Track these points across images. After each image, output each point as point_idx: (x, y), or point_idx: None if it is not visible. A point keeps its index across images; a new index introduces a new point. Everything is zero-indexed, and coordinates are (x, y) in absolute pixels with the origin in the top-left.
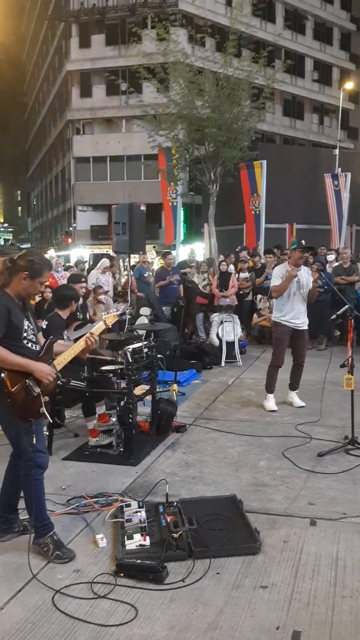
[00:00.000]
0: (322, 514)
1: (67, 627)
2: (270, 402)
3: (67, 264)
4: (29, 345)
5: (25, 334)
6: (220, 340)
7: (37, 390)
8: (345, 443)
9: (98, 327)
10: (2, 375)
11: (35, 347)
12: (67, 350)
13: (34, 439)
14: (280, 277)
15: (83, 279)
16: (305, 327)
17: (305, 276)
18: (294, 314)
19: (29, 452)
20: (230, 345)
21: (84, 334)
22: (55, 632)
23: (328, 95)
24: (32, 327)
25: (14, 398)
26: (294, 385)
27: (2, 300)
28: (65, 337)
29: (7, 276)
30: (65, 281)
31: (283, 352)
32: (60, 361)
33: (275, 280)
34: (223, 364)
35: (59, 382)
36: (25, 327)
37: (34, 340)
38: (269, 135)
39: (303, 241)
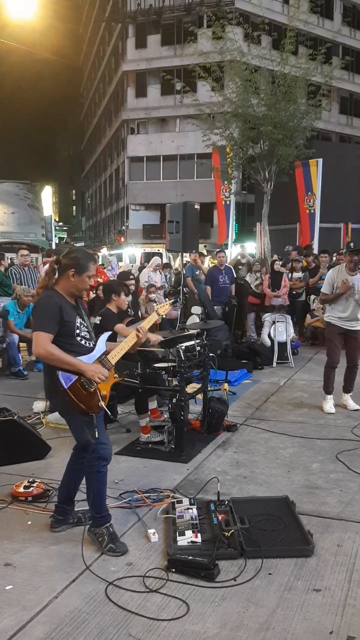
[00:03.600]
0: None
1: (120, 619)
2: (329, 404)
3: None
4: (83, 342)
5: (78, 331)
6: (272, 341)
7: (93, 386)
8: None
9: (150, 318)
10: (58, 373)
11: (89, 344)
12: (120, 344)
13: (96, 432)
14: (330, 284)
15: (132, 276)
16: (359, 328)
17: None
18: (347, 316)
19: (92, 444)
20: (282, 345)
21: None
22: (108, 623)
23: None
24: (85, 324)
25: (70, 394)
26: (347, 387)
27: (54, 299)
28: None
29: (56, 277)
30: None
31: (335, 351)
32: (114, 355)
33: (326, 287)
34: (274, 364)
35: (114, 376)
36: (78, 324)
37: (88, 337)
38: (324, 134)
39: (352, 244)
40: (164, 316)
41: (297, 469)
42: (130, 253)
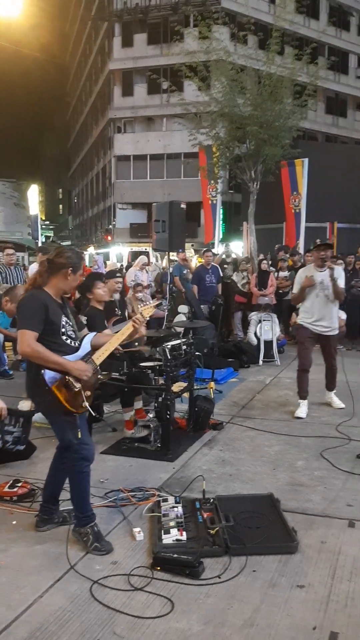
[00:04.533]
0: None
1: (105, 617)
2: (300, 410)
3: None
4: (68, 341)
5: (63, 330)
6: (258, 339)
7: (78, 385)
8: None
9: (127, 327)
10: (43, 372)
11: (75, 343)
12: (105, 345)
13: (79, 432)
14: (299, 283)
15: (118, 274)
16: (333, 333)
17: (329, 276)
18: (318, 317)
19: (74, 444)
20: (268, 344)
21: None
22: (93, 622)
23: None
24: (70, 323)
25: (55, 394)
26: (329, 385)
27: (40, 298)
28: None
29: (47, 276)
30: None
31: (306, 355)
32: (99, 356)
33: (295, 286)
34: (261, 363)
35: (99, 376)
36: (64, 323)
37: (73, 336)
38: (311, 133)
39: (318, 240)
40: (147, 318)
41: (282, 467)
42: (118, 252)
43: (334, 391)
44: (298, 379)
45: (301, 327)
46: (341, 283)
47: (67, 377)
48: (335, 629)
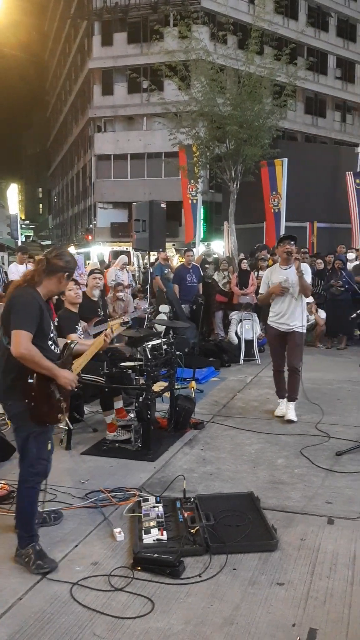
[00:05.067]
0: (339, 512)
1: (85, 619)
2: (279, 408)
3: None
4: (52, 347)
5: (51, 334)
6: (239, 339)
7: (58, 395)
8: None
9: (97, 342)
10: (31, 378)
11: (57, 349)
12: (81, 357)
13: (50, 444)
14: (266, 283)
15: (97, 270)
16: (297, 329)
17: (295, 274)
18: (282, 315)
19: (32, 457)
20: (249, 343)
21: (104, 330)
22: (73, 623)
23: (351, 92)
24: (52, 327)
25: (36, 401)
26: (290, 393)
27: (36, 298)
28: (80, 331)
29: (43, 276)
30: (85, 278)
31: (276, 355)
32: (77, 366)
33: (263, 286)
34: (241, 362)
35: (75, 388)
36: (52, 328)
37: (56, 342)
38: (290, 133)
39: (282, 234)
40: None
41: (263, 465)
42: (99, 251)
43: (293, 402)
44: (274, 380)
45: (269, 327)
46: (308, 278)
47: (51, 385)
48: (314, 626)
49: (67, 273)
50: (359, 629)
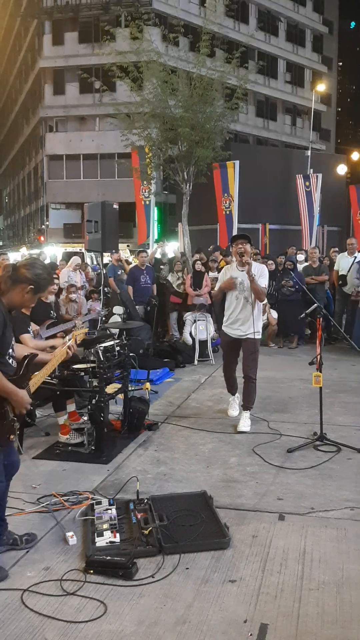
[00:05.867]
0: (290, 509)
1: (36, 625)
2: (231, 408)
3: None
4: (10, 361)
5: (10, 350)
6: (193, 339)
7: (12, 415)
8: (314, 439)
9: (61, 352)
10: None
11: (14, 363)
12: (43, 370)
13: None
14: (222, 282)
15: (55, 276)
16: (251, 337)
17: (252, 274)
18: (234, 321)
19: None
20: (203, 343)
21: (56, 332)
22: (24, 630)
23: (300, 96)
24: (13, 342)
25: None
26: (245, 402)
27: (2, 310)
28: (31, 334)
29: (9, 284)
30: None
31: (228, 362)
32: (36, 381)
33: (217, 284)
34: (196, 362)
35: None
36: (13, 342)
37: (15, 355)
38: (242, 136)
39: (235, 233)
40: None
41: (216, 464)
42: (51, 252)
43: (248, 412)
44: (225, 375)
45: (222, 333)
46: (262, 282)
47: (4, 404)
48: (265, 621)
49: (31, 287)
50: (308, 622)
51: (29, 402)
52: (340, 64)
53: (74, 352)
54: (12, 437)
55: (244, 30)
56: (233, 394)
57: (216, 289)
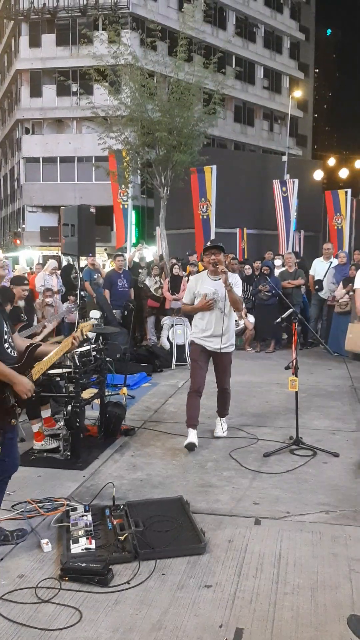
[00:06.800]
0: (266, 513)
1: (10, 633)
2: (188, 438)
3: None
4: (9, 350)
5: (6, 337)
6: (171, 344)
7: (13, 401)
8: (290, 443)
9: (66, 342)
10: None
11: (14, 352)
12: (45, 359)
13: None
14: (190, 292)
15: (26, 282)
16: (227, 350)
17: (229, 283)
18: (210, 333)
19: None
20: (181, 348)
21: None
22: None
23: (278, 102)
24: (8, 330)
25: None
26: (220, 411)
27: None
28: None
29: None
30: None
31: (198, 375)
32: (38, 370)
33: (186, 296)
34: (173, 367)
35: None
36: (7, 330)
37: (13, 345)
38: (220, 141)
39: (209, 242)
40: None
41: (193, 469)
42: (28, 256)
43: (224, 418)
44: (187, 404)
45: (192, 343)
46: (238, 291)
47: (6, 390)
48: (240, 625)
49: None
50: (283, 625)
51: (31, 386)
52: (317, 70)
53: (80, 340)
54: (13, 421)
55: (222, 36)
56: (193, 428)
57: (184, 300)
